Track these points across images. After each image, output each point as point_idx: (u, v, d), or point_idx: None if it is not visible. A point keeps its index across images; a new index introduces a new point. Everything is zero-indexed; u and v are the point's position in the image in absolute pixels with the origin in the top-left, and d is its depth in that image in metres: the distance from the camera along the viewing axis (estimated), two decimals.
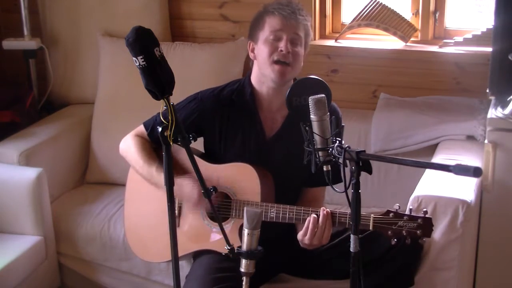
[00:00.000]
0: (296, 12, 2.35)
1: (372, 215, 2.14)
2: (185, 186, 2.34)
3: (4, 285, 2.67)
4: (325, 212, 2.19)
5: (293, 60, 2.33)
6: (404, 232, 2.09)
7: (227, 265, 2.28)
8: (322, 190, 2.49)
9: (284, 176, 2.40)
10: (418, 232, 2.08)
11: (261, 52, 2.35)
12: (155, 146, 2.49)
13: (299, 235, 2.23)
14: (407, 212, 2.11)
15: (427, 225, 2.09)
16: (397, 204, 2.12)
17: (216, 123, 2.44)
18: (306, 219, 2.21)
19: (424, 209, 2.13)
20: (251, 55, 2.43)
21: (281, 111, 2.40)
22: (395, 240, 2.09)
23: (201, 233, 2.41)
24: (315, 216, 2.19)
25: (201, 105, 2.44)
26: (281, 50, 2.31)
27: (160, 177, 2.38)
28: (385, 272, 2.33)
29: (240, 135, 2.43)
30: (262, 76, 2.39)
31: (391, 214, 2.11)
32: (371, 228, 2.13)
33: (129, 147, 2.50)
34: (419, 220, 2.09)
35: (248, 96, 2.42)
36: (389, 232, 2.10)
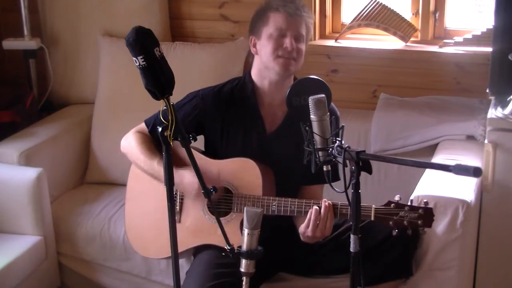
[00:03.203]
0: (300, 9, 2.38)
1: (373, 206, 2.15)
2: (186, 177, 2.35)
3: (4, 285, 2.67)
4: (326, 203, 2.21)
5: (297, 55, 2.38)
6: (405, 222, 2.10)
7: (227, 261, 2.28)
8: (321, 188, 2.50)
9: (284, 172, 2.41)
10: (419, 222, 2.10)
11: (264, 47, 2.38)
12: (156, 142, 2.49)
13: (301, 228, 2.24)
14: (408, 203, 2.12)
15: (428, 215, 2.10)
16: (398, 195, 2.13)
17: (217, 120, 2.46)
18: (307, 211, 2.23)
19: (425, 200, 2.14)
20: (252, 50, 2.45)
21: (282, 106, 2.41)
22: (396, 230, 2.10)
23: (202, 228, 2.42)
24: (317, 207, 2.21)
25: (202, 103, 2.46)
26: (286, 47, 2.35)
27: (161, 170, 2.39)
28: (383, 262, 2.33)
29: (242, 131, 2.45)
30: (265, 69, 2.41)
31: (392, 205, 2.12)
32: (372, 218, 2.14)
33: (130, 143, 2.50)
34: (420, 210, 2.10)
35: (249, 91, 2.45)
36: (390, 223, 2.12)
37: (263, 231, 1.96)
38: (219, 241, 2.30)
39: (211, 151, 2.50)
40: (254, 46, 2.44)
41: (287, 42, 2.35)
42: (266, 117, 2.46)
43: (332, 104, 2.41)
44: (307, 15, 2.41)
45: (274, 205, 2.29)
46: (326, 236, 2.24)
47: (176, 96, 1.79)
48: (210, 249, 2.41)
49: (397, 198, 2.14)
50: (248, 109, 2.45)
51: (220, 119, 2.46)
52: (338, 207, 2.22)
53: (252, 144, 2.45)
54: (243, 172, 2.37)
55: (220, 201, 2.39)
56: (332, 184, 1.86)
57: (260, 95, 2.46)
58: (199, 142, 2.47)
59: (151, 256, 2.62)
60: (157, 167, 2.41)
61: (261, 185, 2.33)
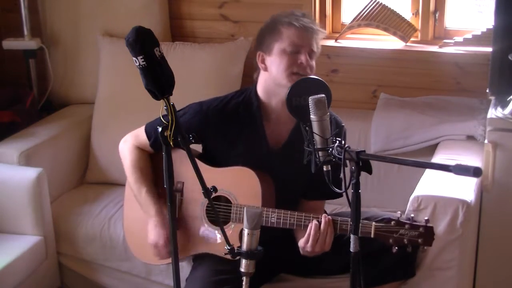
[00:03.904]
0: (313, 23, 2.33)
1: (373, 223, 2.14)
2: (150, 232, 2.40)
3: (4, 285, 2.67)
4: (326, 218, 2.20)
5: (311, 73, 2.32)
6: (405, 240, 2.09)
7: (227, 267, 2.28)
8: (322, 203, 2.48)
9: (285, 188, 2.39)
10: (420, 240, 2.09)
11: (277, 63, 2.30)
12: (156, 152, 2.48)
13: (301, 242, 2.23)
14: (408, 219, 2.12)
15: (428, 234, 2.10)
16: (399, 212, 2.13)
17: (220, 136, 2.41)
18: (307, 225, 2.22)
19: (426, 218, 2.14)
20: (261, 66, 2.36)
21: (287, 124, 2.37)
22: (396, 248, 2.09)
23: (201, 237, 2.40)
24: (317, 222, 2.20)
25: (206, 119, 2.40)
26: (301, 63, 2.28)
27: (147, 201, 2.42)
28: (385, 263, 2.32)
29: (244, 147, 2.40)
30: (275, 86, 2.34)
31: (392, 222, 2.11)
32: (372, 235, 2.13)
33: (125, 157, 2.51)
34: (421, 229, 2.09)
35: (254, 108, 2.39)
36: (390, 240, 2.11)
37: (263, 234, 1.96)
38: (218, 251, 2.31)
39: (210, 159, 2.44)
40: (263, 62, 2.35)
41: (303, 58, 2.28)
42: (270, 135, 2.40)
43: (336, 115, 2.40)
44: (321, 31, 2.35)
45: (273, 217, 2.27)
46: (326, 251, 2.22)
47: (176, 96, 1.78)
48: (209, 254, 2.39)
49: (397, 214, 2.13)
50: (252, 125, 2.39)
51: (223, 135, 2.40)
52: (338, 222, 2.20)
53: (254, 160, 2.38)
54: (242, 181, 2.34)
55: (218, 210, 2.36)
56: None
57: (266, 112, 2.39)
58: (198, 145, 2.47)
59: (149, 261, 2.59)
60: (144, 195, 2.41)
61: (261, 194, 2.31)
